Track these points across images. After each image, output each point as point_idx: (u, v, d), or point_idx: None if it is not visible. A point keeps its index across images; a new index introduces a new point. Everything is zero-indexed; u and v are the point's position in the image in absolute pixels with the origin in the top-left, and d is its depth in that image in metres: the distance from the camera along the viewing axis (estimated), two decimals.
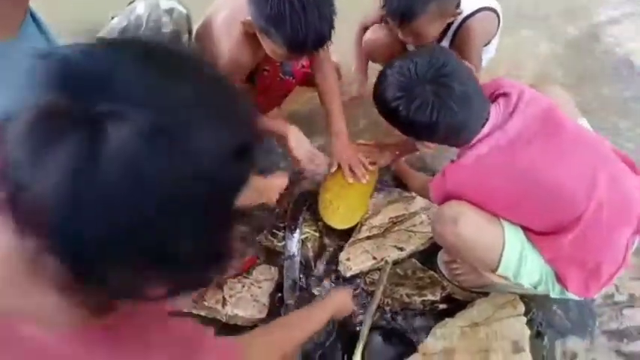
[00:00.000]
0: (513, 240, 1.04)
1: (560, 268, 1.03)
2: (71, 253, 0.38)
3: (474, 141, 1.00)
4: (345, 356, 1.16)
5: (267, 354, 0.83)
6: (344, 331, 1.21)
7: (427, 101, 0.95)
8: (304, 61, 1.48)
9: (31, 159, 0.35)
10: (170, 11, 1.23)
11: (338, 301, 1.07)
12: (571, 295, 1.07)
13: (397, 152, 1.50)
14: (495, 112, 1.00)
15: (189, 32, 1.28)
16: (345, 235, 1.38)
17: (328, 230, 1.40)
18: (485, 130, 0.99)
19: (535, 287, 1.08)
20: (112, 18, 1.27)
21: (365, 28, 1.58)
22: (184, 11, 1.26)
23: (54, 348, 0.43)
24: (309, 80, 1.54)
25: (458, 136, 1.01)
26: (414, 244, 1.34)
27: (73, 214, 0.36)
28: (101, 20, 1.29)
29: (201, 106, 0.40)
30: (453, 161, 1.09)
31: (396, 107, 0.98)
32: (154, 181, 0.37)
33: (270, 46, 1.13)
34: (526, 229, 1.05)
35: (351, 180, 1.39)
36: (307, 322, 0.97)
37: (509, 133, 0.97)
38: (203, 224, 0.42)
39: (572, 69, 1.88)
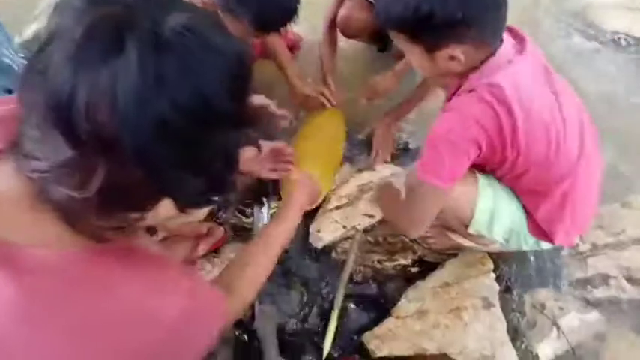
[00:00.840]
0: (486, 193, 1.01)
1: (550, 227, 1.02)
2: (141, 149, 0.40)
3: (487, 67, 0.89)
4: (321, 325, 1.16)
5: (248, 291, 0.80)
6: (318, 301, 1.21)
7: None
8: None
9: (97, 63, 0.39)
10: None
11: (299, 193, 1.02)
12: (544, 245, 1.07)
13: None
14: (504, 42, 0.90)
15: None
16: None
17: None
18: (499, 58, 0.88)
19: (507, 241, 1.07)
20: None
21: (333, 22, 1.54)
22: None
23: (68, 266, 0.46)
24: (268, 52, 1.49)
25: (492, 39, 0.88)
26: None
27: (148, 99, 0.39)
28: None
29: (208, 19, 0.46)
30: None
31: None
32: (207, 58, 0.43)
33: (235, 26, 1.04)
34: (520, 189, 1.02)
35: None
36: (281, 232, 0.90)
37: (524, 71, 0.90)
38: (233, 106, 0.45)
39: None
